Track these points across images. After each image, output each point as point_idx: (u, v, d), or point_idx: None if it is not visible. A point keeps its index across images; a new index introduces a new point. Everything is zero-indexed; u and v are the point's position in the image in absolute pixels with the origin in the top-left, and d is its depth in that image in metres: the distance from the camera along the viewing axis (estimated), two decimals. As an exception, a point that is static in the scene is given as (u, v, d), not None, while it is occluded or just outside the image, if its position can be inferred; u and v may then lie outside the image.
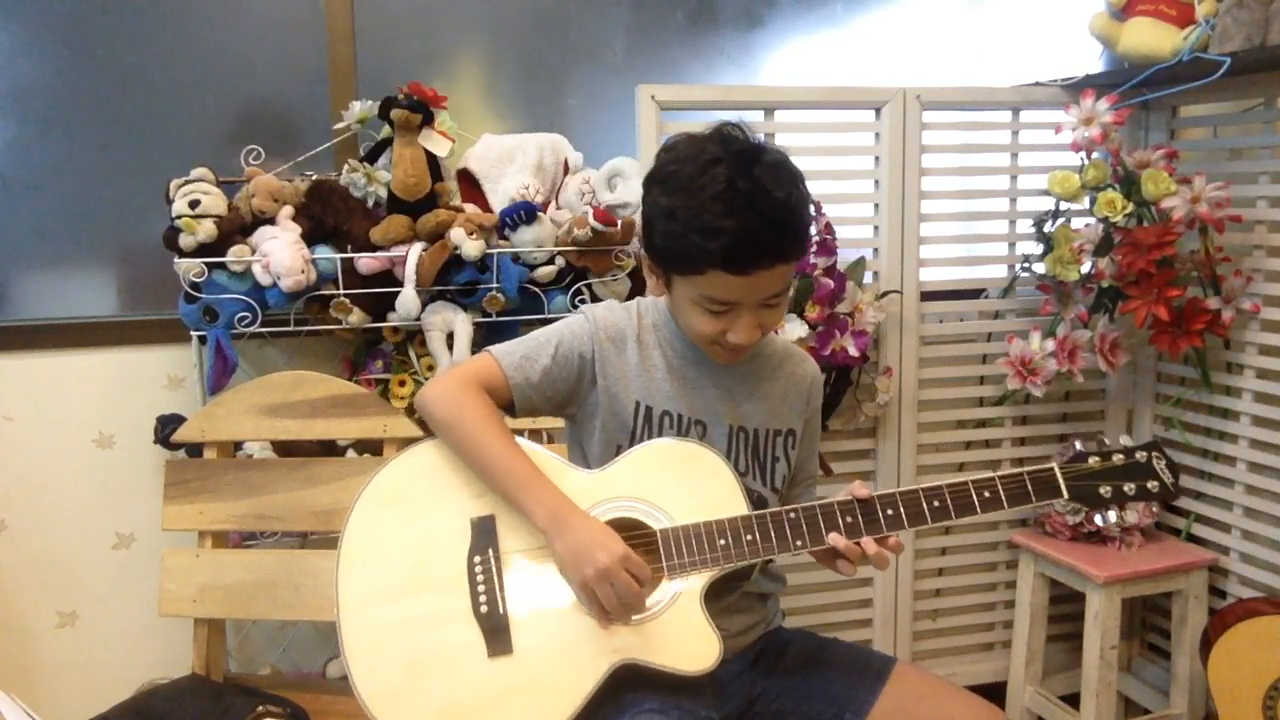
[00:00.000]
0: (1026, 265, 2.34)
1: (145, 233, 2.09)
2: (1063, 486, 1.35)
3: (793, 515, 1.32)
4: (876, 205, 2.29)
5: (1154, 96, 2.26)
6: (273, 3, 2.15)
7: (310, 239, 1.91)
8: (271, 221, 1.91)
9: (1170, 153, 2.14)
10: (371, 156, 1.99)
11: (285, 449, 1.94)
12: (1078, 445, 1.39)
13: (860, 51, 2.51)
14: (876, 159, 2.27)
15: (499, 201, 2.03)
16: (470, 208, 2.02)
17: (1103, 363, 2.25)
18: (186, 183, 1.89)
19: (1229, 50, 1.98)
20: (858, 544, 1.30)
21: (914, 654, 2.46)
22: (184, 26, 2.10)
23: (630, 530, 1.31)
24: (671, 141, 1.33)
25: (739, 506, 1.33)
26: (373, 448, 1.94)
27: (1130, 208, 2.11)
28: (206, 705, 1.69)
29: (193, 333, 1.92)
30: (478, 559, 1.31)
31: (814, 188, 1.33)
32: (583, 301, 2.01)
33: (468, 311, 1.98)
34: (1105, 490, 1.36)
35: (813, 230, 1.87)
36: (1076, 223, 2.25)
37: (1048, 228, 2.25)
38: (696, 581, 1.31)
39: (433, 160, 1.97)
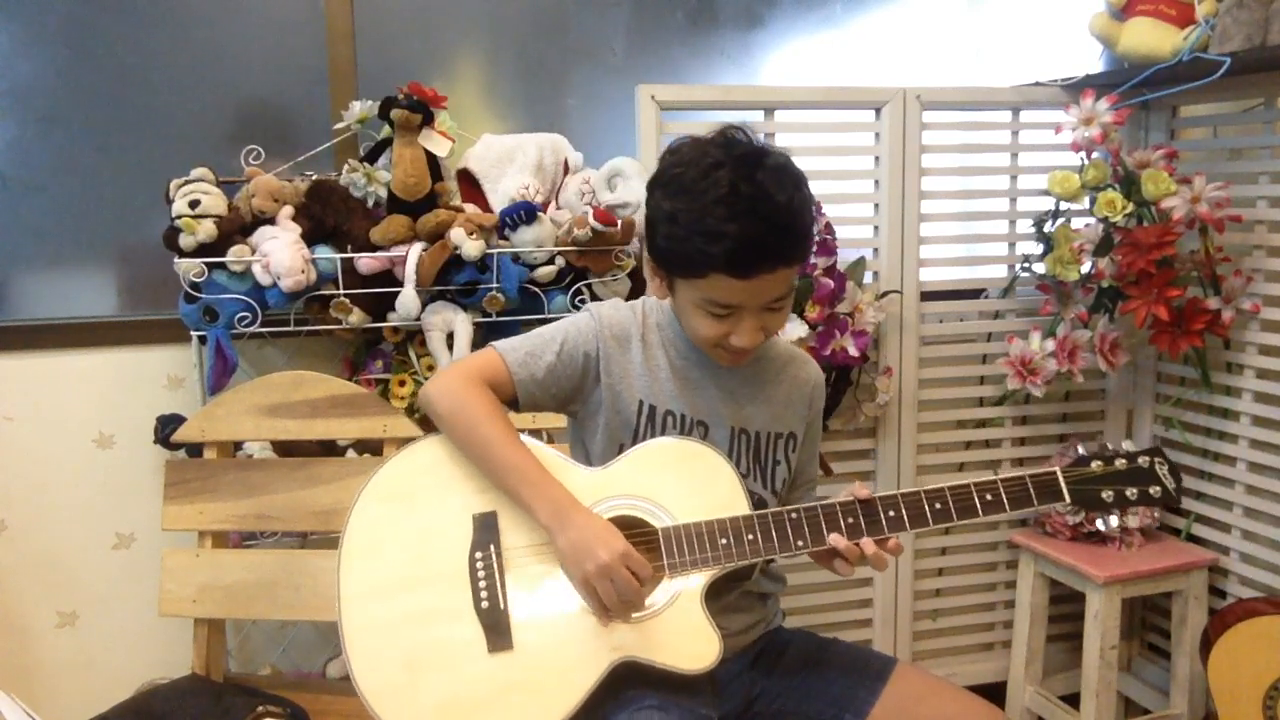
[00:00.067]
0: (1026, 265, 2.34)
1: (145, 233, 2.09)
2: (1065, 490, 1.36)
3: (794, 515, 1.33)
4: (876, 205, 2.29)
5: (1154, 96, 2.26)
6: (273, 3, 2.15)
7: (310, 239, 1.91)
8: (271, 221, 1.91)
9: (1170, 153, 2.14)
10: (371, 156, 1.99)
11: (285, 449, 1.94)
12: (1080, 449, 1.40)
13: (860, 51, 2.51)
14: (876, 159, 2.27)
15: (499, 201, 2.03)
16: (470, 208, 2.02)
17: (1103, 363, 2.25)
18: (186, 183, 1.89)
19: (1229, 50, 1.98)
20: (857, 545, 1.30)
21: (914, 654, 2.46)
22: (184, 26, 2.10)
23: (632, 528, 1.31)
24: (676, 144, 1.33)
25: (740, 506, 1.34)
26: (373, 448, 1.94)
27: (1130, 208, 2.11)
28: (206, 705, 1.69)
29: (193, 333, 1.92)
30: (479, 555, 1.31)
31: (814, 188, 1.32)
32: (583, 302, 2.01)
33: (468, 311, 1.98)
34: (1107, 495, 1.36)
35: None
36: (1076, 223, 2.25)
37: (1048, 228, 2.25)
38: (697, 580, 1.31)
39: (433, 160, 1.97)
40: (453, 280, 1.94)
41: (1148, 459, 1.38)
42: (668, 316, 1.43)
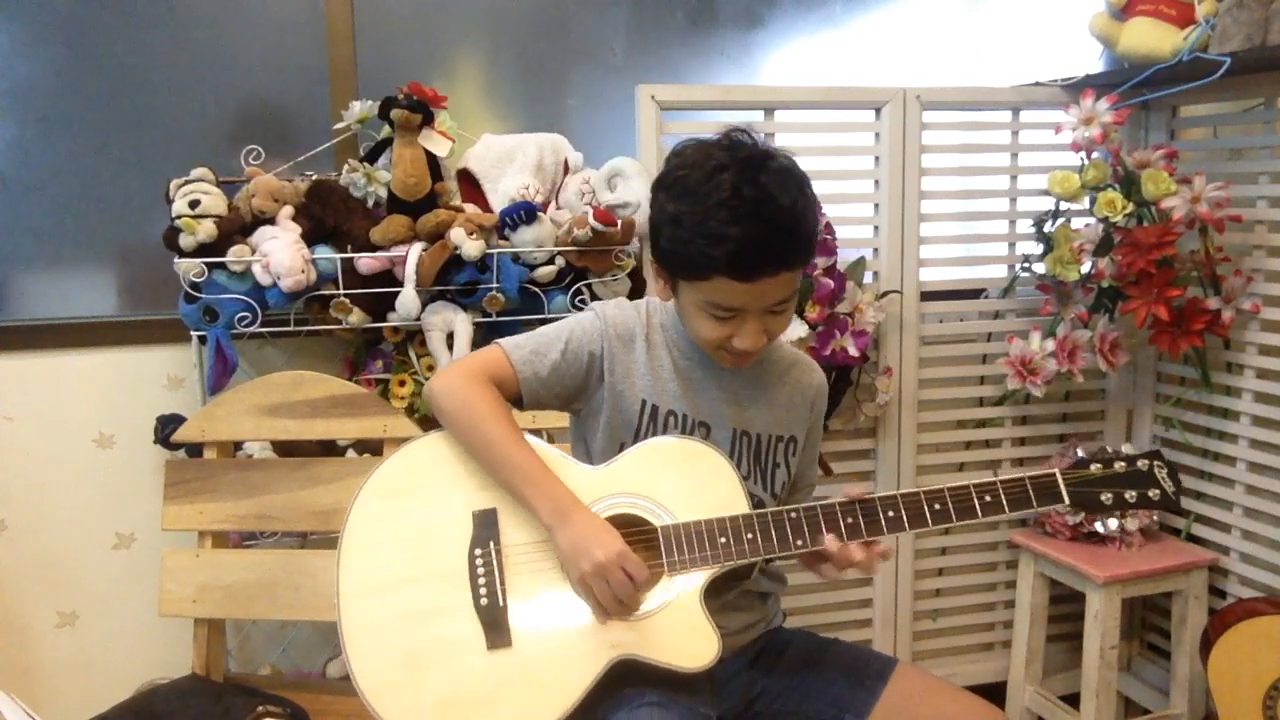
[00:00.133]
0: (1026, 265, 2.34)
1: (145, 233, 2.09)
2: (1064, 492, 1.36)
3: (794, 515, 1.33)
4: (876, 205, 2.29)
5: (1154, 96, 2.26)
6: (273, 3, 2.15)
7: (310, 239, 1.91)
8: (271, 221, 1.91)
9: (1170, 153, 2.14)
10: (371, 156, 1.99)
11: (285, 449, 1.94)
12: (1079, 451, 1.40)
13: (860, 51, 2.51)
14: (876, 159, 2.27)
15: (499, 201, 2.03)
16: (470, 208, 2.02)
17: (1103, 363, 2.25)
18: (186, 183, 1.89)
19: (1229, 50, 1.98)
20: (845, 547, 1.30)
21: (914, 654, 2.46)
22: (184, 26, 2.10)
23: (631, 526, 1.31)
24: (680, 146, 1.33)
25: (740, 507, 1.34)
26: (373, 448, 1.94)
27: (1130, 208, 2.11)
28: (206, 705, 1.69)
29: (193, 333, 1.92)
30: (479, 552, 1.32)
31: (814, 188, 1.32)
32: (583, 302, 2.01)
33: (468, 311, 1.98)
34: (1106, 497, 1.36)
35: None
36: (1076, 223, 2.25)
37: (1048, 228, 2.25)
38: (696, 579, 1.31)
39: (433, 160, 1.97)
40: (453, 280, 1.94)
41: (1147, 462, 1.38)
42: (671, 317, 1.43)
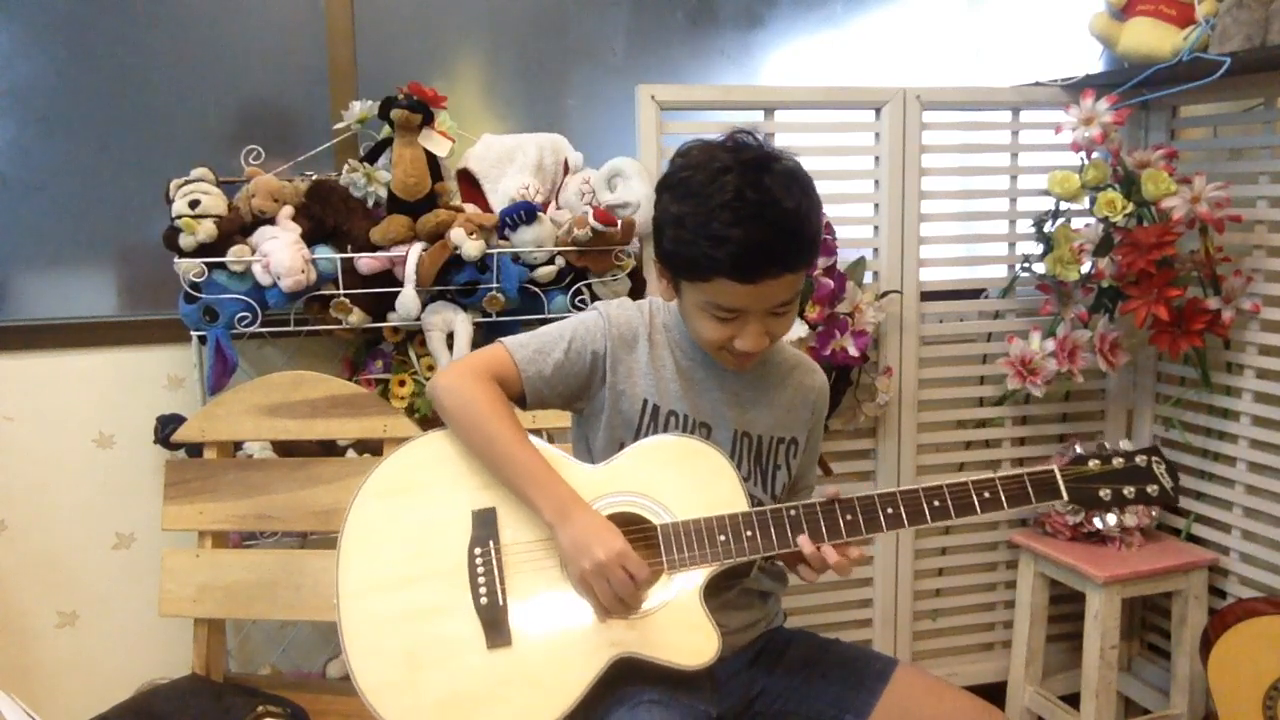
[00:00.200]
0: (1026, 265, 2.34)
1: (145, 233, 2.09)
2: (1062, 488, 1.36)
3: (793, 512, 1.33)
4: (876, 205, 2.29)
5: (1154, 96, 2.26)
6: (273, 3, 2.15)
7: (310, 239, 1.91)
8: (271, 221, 1.91)
9: (1170, 153, 2.14)
10: (371, 156, 1.99)
11: (285, 449, 1.94)
12: (1078, 448, 1.40)
13: (860, 51, 2.51)
14: (876, 159, 2.27)
15: (499, 201, 2.03)
16: (470, 208, 2.02)
17: (1103, 363, 2.25)
18: (186, 183, 1.89)
19: (1229, 50, 1.98)
20: (819, 550, 1.30)
21: (914, 654, 2.46)
22: (184, 26, 2.10)
23: (631, 524, 1.31)
24: (685, 147, 1.33)
25: (740, 504, 1.34)
26: (373, 448, 1.94)
27: (1130, 208, 2.11)
28: (207, 705, 1.69)
29: (193, 333, 1.92)
30: (478, 551, 1.32)
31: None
32: (583, 302, 2.01)
33: (468, 311, 1.98)
34: (1105, 493, 1.37)
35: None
36: (1076, 223, 2.25)
37: (1048, 228, 2.25)
38: (696, 577, 1.31)
39: (433, 160, 1.97)
40: (453, 280, 1.94)
41: (1145, 458, 1.39)
42: (674, 318, 1.43)
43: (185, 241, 1.84)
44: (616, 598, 1.25)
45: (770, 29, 2.45)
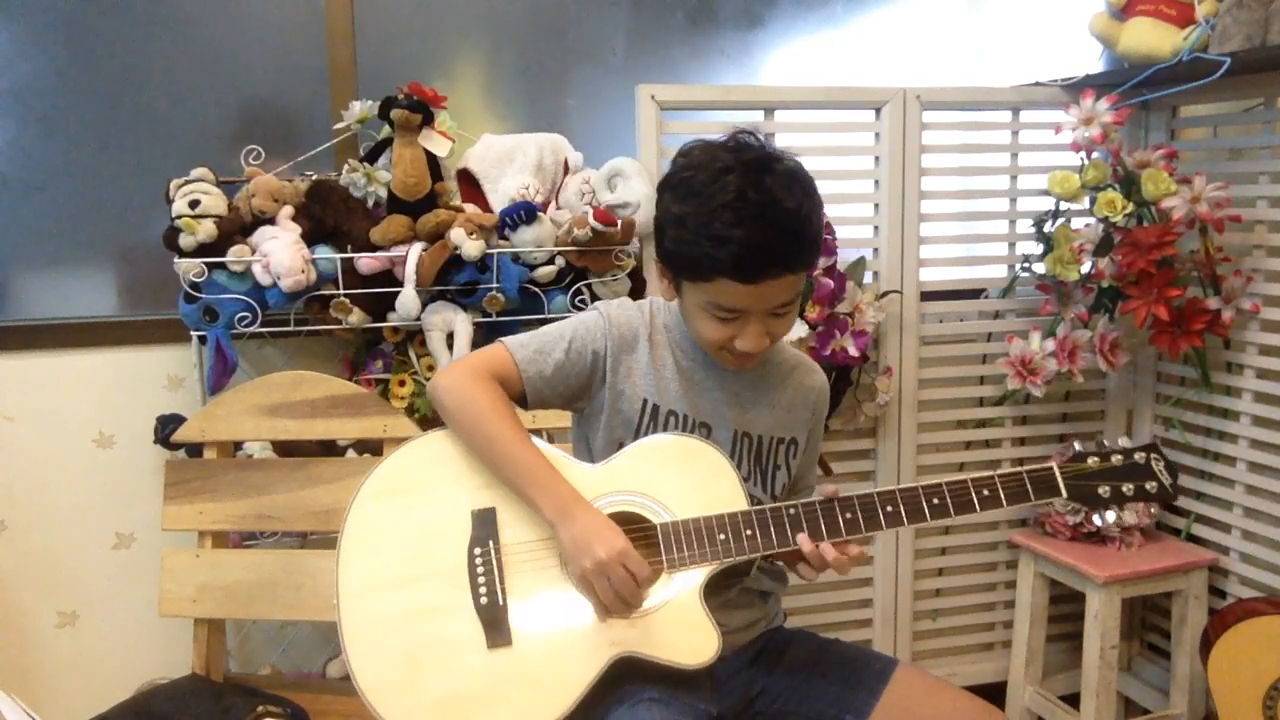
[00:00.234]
0: (1026, 265, 2.34)
1: (145, 233, 2.09)
2: (1061, 486, 1.36)
3: (792, 511, 1.33)
4: (876, 205, 2.29)
5: (1154, 96, 2.26)
6: (273, 3, 2.15)
7: (310, 239, 1.91)
8: (271, 221, 1.91)
9: (1170, 153, 2.14)
10: (371, 156, 1.99)
11: (285, 449, 1.94)
12: (1077, 446, 1.40)
13: (860, 51, 2.51)
14: (876, 159, 2.27)
15: (499, 201, 2.03)
16: (470, 208, 2.02)
17: (1103, 363, 2.25)
18: (186, 183, 1.89)
19: (1229, 50, 1.98)
20: (818, 548, 1.30)
21: (914, 654, 2.46)
22: (184, 26, 2.10)
23: (631, 524, 1.31)
24: (687, 147, 1.33)
25: (740, 503, 1.34)
26: (373, 448, 1.94)
27: (1130, 208, 2.11)
28: (207, 705, 1.69)
29: (193, 333, 1.92)
30: (478, 551, 1.32)
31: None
32: (583, 302, 2.01)
33: (468, 311, 1.98)
34: (1104, 490, 1.37)
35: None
36: (1076, 223, 2.25)
37: (1048, 228, 2.25)
38: (696, 576, 1.31)
39: (433, 160, 1.97)
40: (453, 280, 1.94)
41: (1144, 454, 1.39)
42: (675, 318, 1.43)
43: (185, 241, 1.84)
44: (617, 596, 1.25)
45: (770, 29, 2.45)
